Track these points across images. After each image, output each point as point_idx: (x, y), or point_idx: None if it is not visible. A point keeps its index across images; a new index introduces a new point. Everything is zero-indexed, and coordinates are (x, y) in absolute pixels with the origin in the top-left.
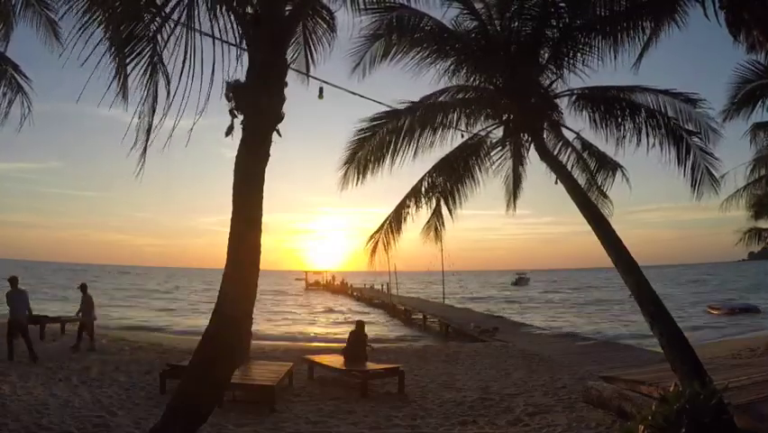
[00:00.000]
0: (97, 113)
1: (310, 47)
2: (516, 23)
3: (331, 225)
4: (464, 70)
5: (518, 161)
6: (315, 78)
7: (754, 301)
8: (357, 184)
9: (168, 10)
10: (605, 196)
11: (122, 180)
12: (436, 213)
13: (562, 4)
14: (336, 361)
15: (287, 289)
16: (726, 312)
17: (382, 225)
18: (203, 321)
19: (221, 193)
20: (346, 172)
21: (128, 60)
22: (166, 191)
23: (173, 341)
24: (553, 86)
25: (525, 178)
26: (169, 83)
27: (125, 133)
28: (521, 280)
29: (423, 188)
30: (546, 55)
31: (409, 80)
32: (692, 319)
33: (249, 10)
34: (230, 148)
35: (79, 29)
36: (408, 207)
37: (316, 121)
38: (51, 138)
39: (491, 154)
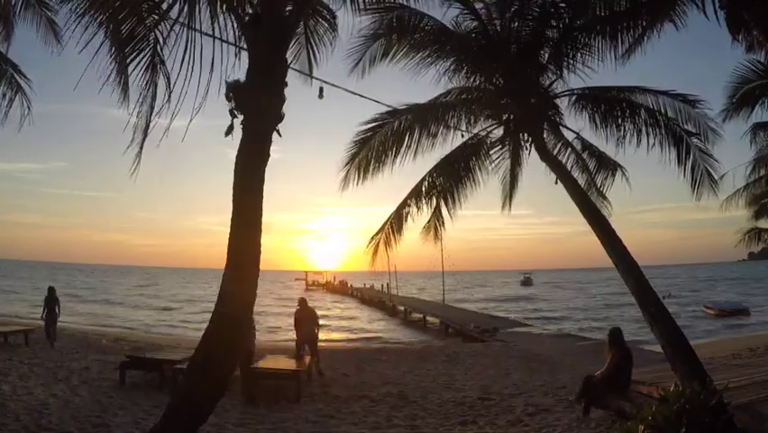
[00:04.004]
0: (99, 112)
1: (312, 47)
2: (517, 24)
3: (331, 226)
4: (464, 70)
5: (516, 161)
6: (317, 78)
7: (747, 302)
8: (358, 184)
9: (168, 10)
10: (604, 197)
11: (123, 180)
12: (436, 213)
13: (562, 5)
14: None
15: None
16: (718, 312)
17: (383, 226)
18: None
19: (222, 193)
20: (347, 173)
21: (128, 60)
22: (166, 191)
23: (174, 340)
24: (553, 86)
25: (522, 178)
26: (169, 83)
27: (123, 131)
28: (527, 280)
29: (423, 189)
30: (546, 55)
31: (409, 80)
32: (687, 319)
33: (249, 10)
34: (232, 147)
35: (79, 28)
36: (409, 207)
37: (318, 121)
38: (53, 138)
39: (491, 154)
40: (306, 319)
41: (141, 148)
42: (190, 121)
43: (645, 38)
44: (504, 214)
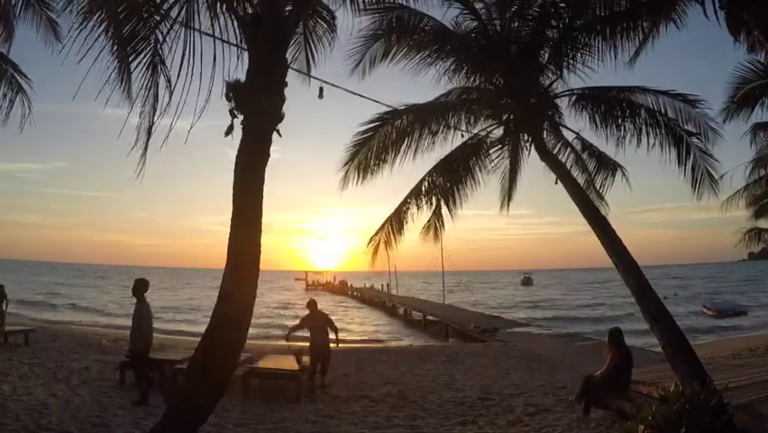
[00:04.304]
0: (99, 112)
1: (310, 47)
2: (517, 24)
3: (331, 226)
4: (464, 71)
5: (515, 161)
6: (316, 78)
7: (746, 302)
8: (358, 184)
9: (168, 10)
10: (602, 197)
11: (123, 180)
12: (436, 213)
13: (562, 5)
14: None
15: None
16: (716, 313)
17: (383, 226)
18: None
19: (222, 193)
20: (347, 173)
21: (129, 60)
22: (166, 191)
23: (173, 341)
24: (553, 86)
25: (522, 178)
26: (169, 83)
27: (121, 131)
28: (527, 280)
29: (423, 189)
30: (546, 55)
31: (409, 81)
32: (687, 319)
33: (249, 10)
34: (232, 147)
35: (80, 28)
36: (409, 207)
37: (317, 121)
38: (53, 138)
39: (491, 154)
40: (317, 328)
41: (146, 149)
42: (192, 125)
43: (650, 40)
44: (503, 214)
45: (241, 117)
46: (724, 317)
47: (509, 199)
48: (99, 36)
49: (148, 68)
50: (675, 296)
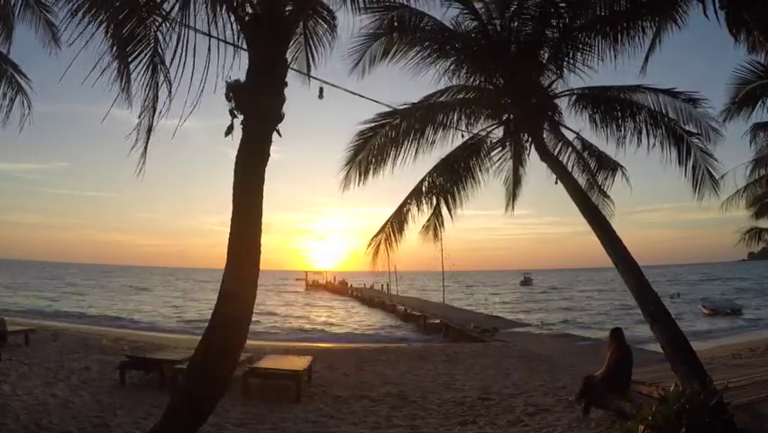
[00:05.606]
0: (99, 113)
1: (311, 47)
2: (516, 23)
3: (332, 226)
4: (464, 70)
5: (518, 161)
6: (316, 79)
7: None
8: (359, 185)
9: (168, 10)
10: (606, 196)
11: (123, 180)
12: (436, 213)
13: (562, 4)
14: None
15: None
16: (711, 312)
17: (383, 227)
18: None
19: (223, 193)
20: (348, 173)
21: (129, 60)
22: (167, 191)
23: (173, 341)
24: (554, 86)
25: (526, 178)
26: (169, 83)
27: (122, 128)
28: (527, 280)
29: (423, 189)
30: (546, 55)
31: (409, 80)
32: (686, 319)
33: (249, 10)
34: (233, 147)
35: (79, 28)
36: (409, 207)
37: (317, 121)
38: (54, 138)
39: (491, 155)
40: None
41: (146, 149)
42: (183, 120)
43: (658, 45)
44: (506, 214)
45: (241, 117)
46: (720, 315)
47: (514, 200)
48: (98, 36)
49: (148, 68)
50: (679, 297)
